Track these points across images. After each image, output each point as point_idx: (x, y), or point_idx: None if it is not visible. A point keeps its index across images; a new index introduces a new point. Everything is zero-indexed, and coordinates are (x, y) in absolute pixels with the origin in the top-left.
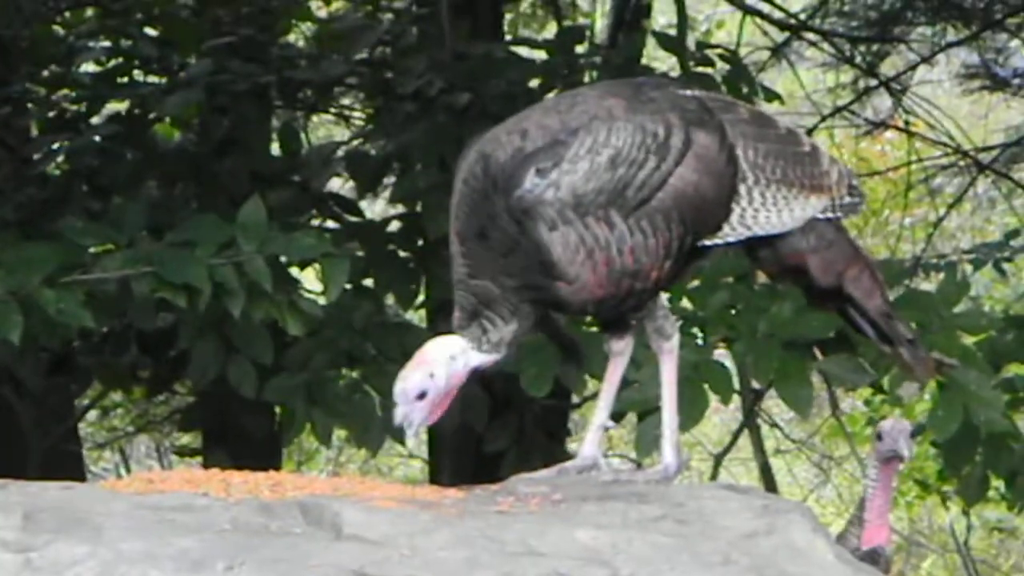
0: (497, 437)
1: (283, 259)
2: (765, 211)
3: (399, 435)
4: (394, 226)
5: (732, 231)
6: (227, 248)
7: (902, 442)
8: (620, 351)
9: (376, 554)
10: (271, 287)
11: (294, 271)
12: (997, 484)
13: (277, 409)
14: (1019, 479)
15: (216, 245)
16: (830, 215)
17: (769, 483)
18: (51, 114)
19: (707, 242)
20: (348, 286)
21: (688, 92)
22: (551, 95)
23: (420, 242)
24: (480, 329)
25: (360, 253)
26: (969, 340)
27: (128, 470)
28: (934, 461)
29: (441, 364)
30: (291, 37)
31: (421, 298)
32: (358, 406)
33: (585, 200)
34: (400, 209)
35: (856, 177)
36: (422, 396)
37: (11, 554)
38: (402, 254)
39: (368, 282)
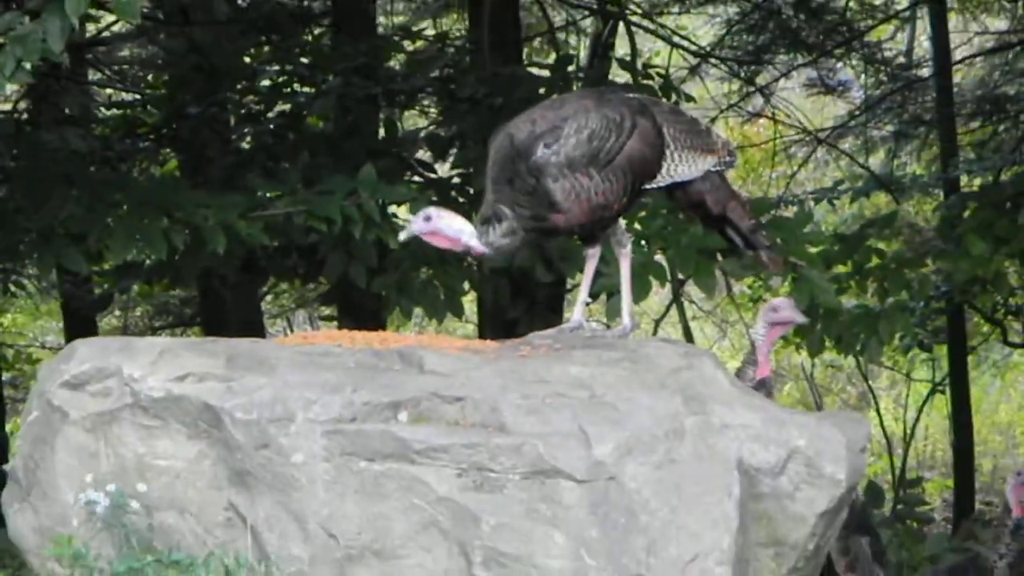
0: (517, 308)
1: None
2: (681, 166)
3: (456, 312)
4: (455, 181)
5: (662, 179)
6: (351, 195)
7: (797, 314)
8: (593, 254)
9: (445, 382)
10: (379, 219)
11: (393, 209)
12: (829, 341)
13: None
14: (843, 337)
15: (345, 193)
16: (718, 168)
17: (688, 337)
18: (242, 111)
19: (647, 186)
20: None
21: (631, 95)
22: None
23: (471, 191)
24: (487, 230)
25: (434, 198)
26: (812, 250)
27: (291, 331)
28: None
29: (448, 223)
30: (391, 63)
31: None
32: (430, 294)
33: (575, 162)
34: (459, 171)
35: (733, 145)
36: (427, 219)
37: (219, 382)
38: (460, 200)
39: None
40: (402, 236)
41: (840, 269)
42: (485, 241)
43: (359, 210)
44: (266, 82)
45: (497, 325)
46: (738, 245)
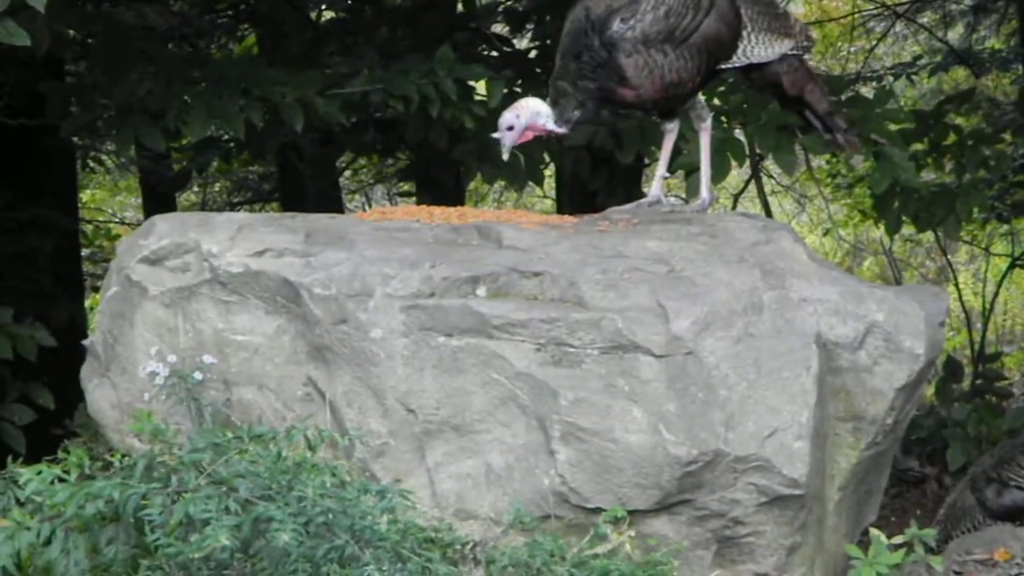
0: (598, 182)
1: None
2: (758, 47)
3: (536, 180)
4: (533, 55)
5: (737, 59)
6: (429, 73)
7: None
8: (671, 129)
9: (523, 257)
10: (455, 97)
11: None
12: (907, 219)
13: (461, 169)
14: (920, 215)
15: (422, 71)
16: (795, 52)
17: (767, 212)
18: None
19: (723, 66)
20: (505, 91)
21: None
22: None
23: (549, 65)
24: (559, 110)
25: (509, 73)
26: (892, 127)
27: (370, 206)
28: (870, 199)
29: (528, 111)
30: None
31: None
32: (512, 163)
33: (650, 38)
34: (536, 44)
35: (810, 29)
36: (511, 128)
37: (298, 258)
38: (538, 71)
39: (517, 89)
40: (505, 156)
41: (917, 147)
42: (562, 120)
43: (436, 88)
44: None
45: (576, 198)
46: (815, 127)
